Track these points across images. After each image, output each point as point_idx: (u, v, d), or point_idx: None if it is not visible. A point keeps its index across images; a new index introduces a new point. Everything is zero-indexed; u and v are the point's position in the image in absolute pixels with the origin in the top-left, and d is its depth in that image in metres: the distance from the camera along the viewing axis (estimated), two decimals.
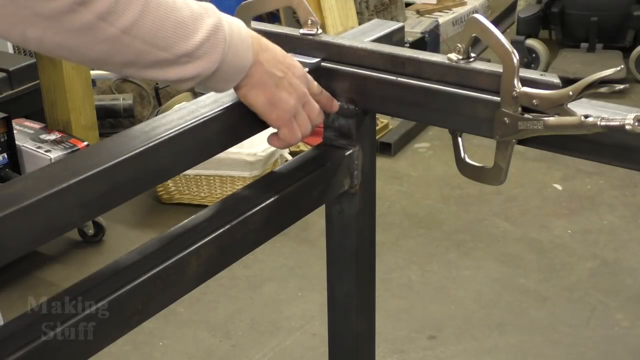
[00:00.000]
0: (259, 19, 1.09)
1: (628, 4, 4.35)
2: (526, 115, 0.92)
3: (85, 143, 2.95)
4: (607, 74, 0.85)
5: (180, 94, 3.92)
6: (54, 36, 0.77)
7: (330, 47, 1.07)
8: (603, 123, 0.84)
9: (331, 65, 1.07)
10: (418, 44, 4.19)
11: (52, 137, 2.93)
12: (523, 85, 0.93)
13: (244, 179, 3.18)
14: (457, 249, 3.01)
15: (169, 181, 3.21)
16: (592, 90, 0.87)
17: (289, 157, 3.34)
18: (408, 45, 3.92)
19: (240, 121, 0.98)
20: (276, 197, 1.01)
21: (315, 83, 1.04)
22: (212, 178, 3.23)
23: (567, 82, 0.91)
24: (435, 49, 4.43)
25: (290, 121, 0.99)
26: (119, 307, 0.85)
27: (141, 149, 0.85)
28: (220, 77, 0.90)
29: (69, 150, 2.87)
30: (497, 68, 0.95)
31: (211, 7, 0.89)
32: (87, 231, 3.03)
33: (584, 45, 4.42)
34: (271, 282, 2.86)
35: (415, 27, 4.63)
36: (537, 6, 4.51)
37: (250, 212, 0.98)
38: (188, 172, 2.87)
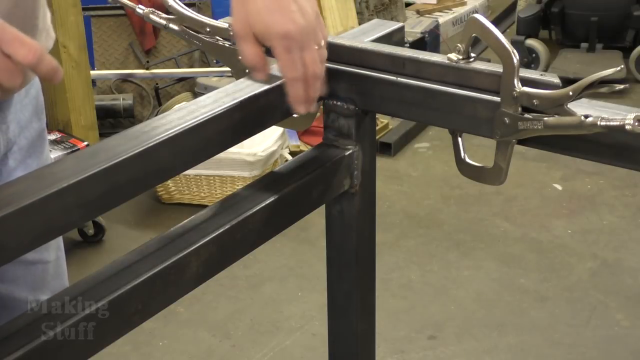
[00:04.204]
0: None
1: (628, 4, 4.35)
2: (526, 115, 0.92)
3: (85, 143, 2.95)
4: (607, 74, 0.85)
5: (181, 94, 3.93)
6: None
7: (330, 47, 1.07)
8: (603, 123, 0.84)
9: (331, 65, 1.07)
10: (418, 44, 4.20)
11: (52, 137, 2.93)
12: (523, 85, 0.93)
13: (244, 179, 3.18)
14: (457, 249, 3.02)
15: (169, 181, 3.21)
16: (592, 90, 0.87)
17: (289, 157, 3.35)
18: (408, 45, 3.92)
19: (240, 121, 0.98)
20: (276, 197, 1.01)
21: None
22: (212, 178, 3.23)
23: (567, 82, 0.91)
24: (435, 49, 4.43)
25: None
26: (119, 307, 0.85)
27: (141, 149, 0.85)
28: None
29: (69, 150, 2.87)
30: (497, 68, 0.95)
31: None
32: (87, 231, 3.03)
33: (584, 45, 4.42)
34: (271, 282, 2.86)
35: (415, 27, 4.63)
36: (537, 6, 4.51)
37: (250, 212, 0.98)
38: (188, 172, 2.87)
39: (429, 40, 4.41)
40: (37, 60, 0.80)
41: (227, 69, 1.14)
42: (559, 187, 3.43)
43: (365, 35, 1.14)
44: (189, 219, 0.97)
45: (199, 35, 1.09)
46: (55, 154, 2.82)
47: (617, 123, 0.83)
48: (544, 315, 2.65)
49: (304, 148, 3.50)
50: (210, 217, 0.97)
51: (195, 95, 3.79)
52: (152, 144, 0.86)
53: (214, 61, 4.02)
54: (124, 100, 3.80)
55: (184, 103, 1.20)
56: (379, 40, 1.13)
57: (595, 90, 0.86)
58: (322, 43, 1.00)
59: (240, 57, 1.03)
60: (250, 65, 1.00)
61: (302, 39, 0.97)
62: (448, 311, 2.69)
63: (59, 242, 1.29)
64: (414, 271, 2.89)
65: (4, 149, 1.13)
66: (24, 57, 0.79)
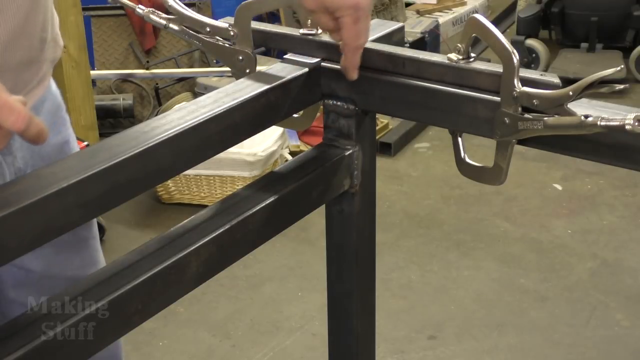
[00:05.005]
0: (259, 18, 1.09)
1: (628, 4, 4.35)
2: (526, 115, 0.92)
3: (85, 143, 2.94)
4: (607, 74, 0.85)
5: (181, 94, 3.93)
6: None
7: (330, 47, 1.07)
8: (603, 123, 0.84)
9: (331, 65, 1.07)
10: (418, 44, 4.19)
11: None
12: (523, 85, 0.93)
13: (244, 179, 3.18)
14: (457, 249, 3.02)
15: (169, 181, 3.21)
16: (592, 90, 0.87)
17: (289, 157, 3.35)
18: (408, 45, 3.92)
19: (240, 121, 0.98)
20: (276, 197, 1.01)
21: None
22: (212, 178, 3.23)
23: (567, 82, 0.91)
24: (435, 49, 4.43)
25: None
26: (119, 307, 0.85)
27: (141, 149, 0.85)
28: None
29: None
30: (497, 68, 0.95)
31: None
32: None
33: (584, 45, 4.42)
34: (271, 282, 2.86)
35: (415, 27, 4.63)
36: (537, 6, 4.51)
37: (250, 212, 0.98)
38: (188, 172, 2.87)
39: (429, 40, 4.40)
40: (25, 126, 0.78)
41: (227, 69, 1.14)
42: (559, 187, 3.43)
43: None
44: (189, 219, 0.97)
45: (199, 35, 1.09)
46: None
47: (617, 123, 0.83)
48: (544, 315, 2.65)
49: (304, 148, 3.50)
50: (210, 217, 0.97)
51: (195, 95, 3.79)
52: (152, 144, 0.86)
53: (214, 61, 4.02)
54: (124, 100, 3.80)
55: (184, 103, 1.20)
56: (379, 40, 1.13)
57: (595, 90, 0.86)
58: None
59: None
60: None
61: (368, 9, 1.02)
62: (448, 311, 2.69)
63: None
64: (414, 271, 2.89)
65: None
66: (12, 124, 0.77)
